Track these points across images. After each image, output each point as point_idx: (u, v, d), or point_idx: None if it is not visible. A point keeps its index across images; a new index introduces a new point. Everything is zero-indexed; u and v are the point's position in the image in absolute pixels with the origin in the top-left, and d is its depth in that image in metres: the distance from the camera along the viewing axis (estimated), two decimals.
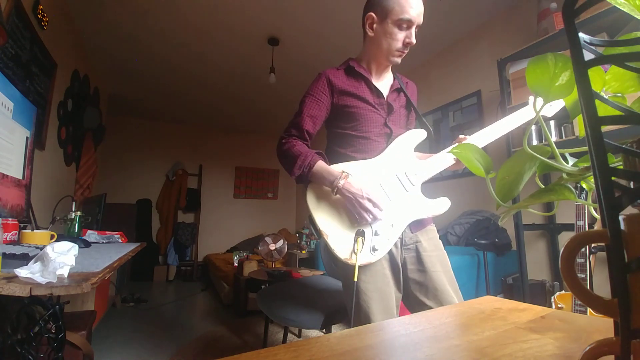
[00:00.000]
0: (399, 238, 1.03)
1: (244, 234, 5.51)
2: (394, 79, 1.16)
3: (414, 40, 1.03)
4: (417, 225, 1.07)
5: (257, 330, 2.52)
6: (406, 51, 1.06)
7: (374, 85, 1.09)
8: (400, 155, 1.05)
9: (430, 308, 0.98)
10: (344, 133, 1.09)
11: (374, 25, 1.06)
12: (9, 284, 0.65)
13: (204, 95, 4.22)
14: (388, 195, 1.00)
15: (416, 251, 1.05)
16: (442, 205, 1.03)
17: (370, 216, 0.94)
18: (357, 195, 0.94)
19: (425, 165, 1.04)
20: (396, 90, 1.14)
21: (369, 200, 0.93)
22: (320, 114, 1.08)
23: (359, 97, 1.07)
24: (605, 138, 0.19)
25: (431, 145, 2.55)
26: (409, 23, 1.01)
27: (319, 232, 0.97)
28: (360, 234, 0.94)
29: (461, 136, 1.07)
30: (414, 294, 1.04)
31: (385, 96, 1.11)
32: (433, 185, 2.87)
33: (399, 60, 1.07)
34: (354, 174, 0.99)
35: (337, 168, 1.00)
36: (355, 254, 0.92)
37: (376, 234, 0.96)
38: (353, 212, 0.96)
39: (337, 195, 0.97)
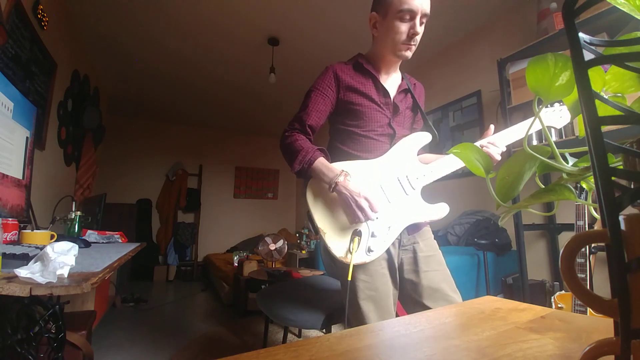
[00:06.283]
0: (397, 239, 1.03)
1: (244, 234, 5.51)
2: (402, 79, 1.15)
3: (418, 30, 0.98)
4: (414, 228, 1.07)
5: (257, 330, 2.52)
6: (413, 43, 1.01)
7: (381, 85, 1.08)
8: (403, 157, 1.04)
9: (428, 308, 0.98)
10: (347, 130, 1.08)
11: (377, 24, 1.05)
12: (9, 284, 0.65)
13: (204, 95, 4.22)
14: (388, 198, 1.00)
15: (414, 252, 1.06)
16: (440, 210, 1.02)
17: (364, 216, 0.93)
18: (353, 193, 0.93)
19: (427, 169, 1.03)
20: (403, 91, 1.12)
21: (366, 199, 0.93)
22: (325, 109, 1.06)
23: (365, 95, 1.06)
24: (605, 138, 0.19)
25: (431, 146, 2.56)
26: (410, 13, 0.96)
27: (316, 229, 0.97)
28: (357, 233, 0.95)
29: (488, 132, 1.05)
30: (411, 295, 1.04)
31: (392, 96, 1.09)
32: (433, 185, 2.87)
33: (407, 53, 1.03)
34: (354, 173, 0.99)
35: (338, 166, 0.99)
36: (351, 253, 0.93)
37: (373, 235, 0.96)
38: (347, 210, 0.96)
39: (334, 193, 0.97)
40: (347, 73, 1.07)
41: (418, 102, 1.15)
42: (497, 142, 1.00)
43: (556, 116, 0.97)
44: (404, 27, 0.98)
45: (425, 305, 1.00)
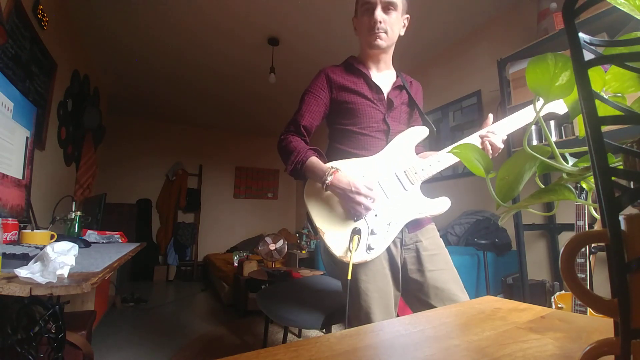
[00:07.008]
0: (399, 238, 1.02)
1: (244, 234, 5.51)
2: (397, 76, 1.16)
3: (377, 17, 1.02)
4: (415, 225, 1.06)
5: (257, 330, 2.52)
6: (378, 31, 1.04)
7: (372, 82, 1.10)
8: (400, 153, 1.04)
9: (435, 308, 0.97)
10: (343, 129, 1.09)
11: (355, 26, 1.14)
12: (9, 284, 0.65)
13: (204, 95, 4.22)
14: (386, 194, 0.99)
15: (416, 251, 1.05)
16: (441, 205, 1.01)
17: (364, 209, 0.93)
18: (346, 190, 0.93)
19: (425, 163, 1.02)
20: (398, 87, 1.13)
21: (359, 192, 0.93)
22: (319, 110, 1.08)
23: (358, 93, 1.07)
24: (605, 138, 0.19)
25: (431, 145, 2.56)
26: (368, 5, 1.04)
27: (315, 229, 0.97)
28: (356, 232, 0.94)
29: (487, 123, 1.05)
30: (417, 295, 1.03)
31: (385, 92, 1.10)
32: (433, 185, 2.87)
33: (379, 42, 1.06)
34: (351, 171, 0.99)
35: (335, 165, 0.99)
36: (351, 252, 0.92)
37: (372, 232, 0.95)
38: (345, 207, 0.96)
39: (328, 192, 0.97)
40: (339, 74, 1.10)
41: (414, 98, 1.15)
42: (496, 130, 1.00)
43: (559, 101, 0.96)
44: (366, 19, 1.06)
45: (432, 306, 0.98)
